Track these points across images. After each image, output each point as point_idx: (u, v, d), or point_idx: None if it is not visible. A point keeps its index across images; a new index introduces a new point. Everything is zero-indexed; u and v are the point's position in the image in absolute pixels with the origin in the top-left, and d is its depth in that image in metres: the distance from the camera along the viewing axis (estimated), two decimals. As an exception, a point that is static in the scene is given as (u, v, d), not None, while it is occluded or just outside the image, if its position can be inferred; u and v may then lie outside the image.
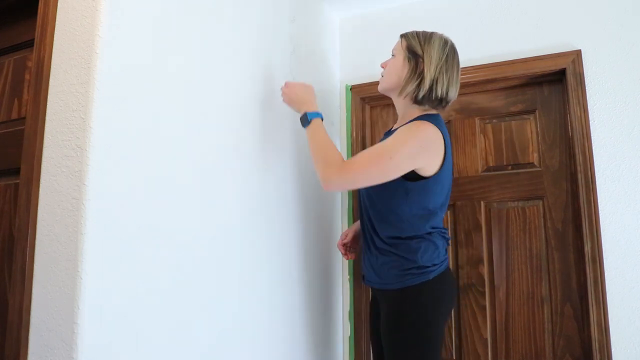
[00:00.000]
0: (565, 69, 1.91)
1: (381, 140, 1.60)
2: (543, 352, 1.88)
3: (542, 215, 1.96)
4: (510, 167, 2.04)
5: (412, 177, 1.47)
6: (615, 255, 1.76)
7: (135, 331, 1.16)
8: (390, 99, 1.66)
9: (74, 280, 1.05)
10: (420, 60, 1.51)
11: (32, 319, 1.09)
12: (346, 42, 2.38)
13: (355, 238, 1.83)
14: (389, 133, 1.66)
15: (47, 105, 1.16)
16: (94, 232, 1.08)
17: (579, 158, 1.83)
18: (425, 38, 1.54)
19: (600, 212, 1.79)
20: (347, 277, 2.19)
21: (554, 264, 1.91)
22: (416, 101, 1.54)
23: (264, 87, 1.73)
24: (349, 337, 2.14)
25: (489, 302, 1.99)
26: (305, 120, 1.60)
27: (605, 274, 1.76)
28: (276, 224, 1.74)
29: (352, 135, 2.28)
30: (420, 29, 2.18)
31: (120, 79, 1.17)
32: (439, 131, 1.48)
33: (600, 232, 1.78)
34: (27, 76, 1.35)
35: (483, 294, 1.99)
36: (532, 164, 2.00)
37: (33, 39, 1.24)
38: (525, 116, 2.05)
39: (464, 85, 1.92)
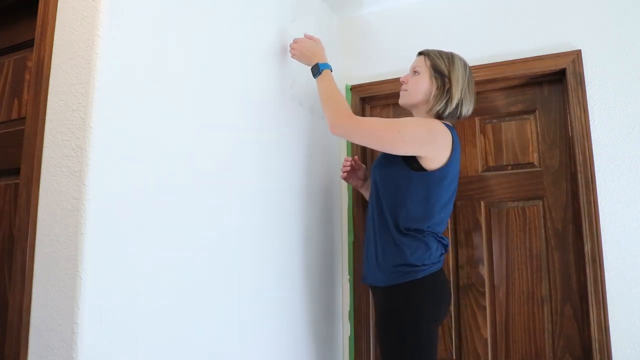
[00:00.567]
0: (565, 69, 1.91)
1: None
2: (543, 352, 1.88)
3: (542, 215, 1.96)
4: (510, 167, 2.04)
5: (417, 167, 1.54)
6: (615, 255, 1.76)
7: (135, 331, 1.16)
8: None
9: (74, 280, 1.05)
10: (447, 80, 1.62)
11: (32, 319, 1.09)
12: (346, 42, 2.38)
13: (363, 171, 1.94)
14: None
15: (47, 105, 1.16)
16: (94, 232, 1.08)
17: (579, 158, 1.83)
18: (448, 59, 1.66)
19: (600, 212, 1.79)
20: (347, 277, 2.19)
21: (554, 264, 1.91)
22: (439, 116, 1.64)
23: (264, 87, 1.73)
24: (349, 337, 2.14)
25: (489, 302, 1.99)
26: (317, 70, 1.74)
27: (605, 274, 1.75)
28: (278, 225, 1.74)
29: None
30: (420, 28, 2.21)
31: (120, 79, 1.17)
32: (449, 132, 1.57)
33: (600, 232, 1.77)
34: (27, 76, 1.35)
35: (483, 294, 1.99)
36: (532, 164, 2.00)
37: (33, 39, 1.24)
38: (525, 116, 2.05)
39: (464, 85, 1.92)
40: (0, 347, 1.16)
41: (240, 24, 1.63)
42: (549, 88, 2.02)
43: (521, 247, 1.97)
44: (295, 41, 1.83)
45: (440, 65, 1.64)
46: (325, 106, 1.66)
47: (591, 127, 1.85)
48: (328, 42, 2.28)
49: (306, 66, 1.84)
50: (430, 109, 1.64)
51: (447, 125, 1.60)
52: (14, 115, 1.36)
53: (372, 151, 2.29)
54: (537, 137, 2.01)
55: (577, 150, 1.84)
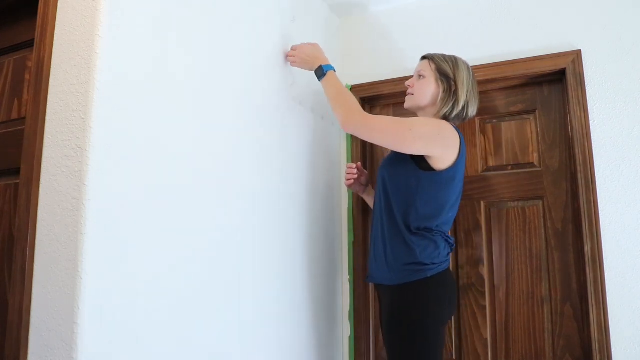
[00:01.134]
0: (565, 69, 1.91)
1: None
2: (543, 352, 1.88)
3: (542, 215, 1.96)
4: (510, 167, 2.04)
5: (426, 167, 1.57)
6: (615, 255, 1.76)
7: (135, 331, 1.16)
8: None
9: (74, 280, 1.05)
10: (453, 82, 1.64)
11: (32, 319, 1.09)
12: (346, 42, 2.38)
13: (366, 177, 1.98)
14: None
15: (47, 105, 1.16)
16: (94, 232, 1.08)
17: (579, 158, 1.83)
18: (452, 62, 1.68)
19: (600, 212, 1.79)
20: (347, 277, 2.19)
21: (554, 264, 1.91)
22: (445, 118, 1.66)
23: (264, 87, 1.73)
24: (349, 337, 2.14)
25: (489, 302, 1.99)
26: (321, 72, 1.76)
27: (605, 274, 1.75)
28: (278, 225, 1.74)
29: (352, 134, 2.27)
30: (420, 28, 2.21)
31: (120, 79, 1.17)
32: (457, 132, 1.60)
33: (600, 232, 1.77)
34: (27, 76, 1.35)
35: (483, 294, 1.99)
36: (532, 164, 2.00)
37: (33, 39, 1.24)
38: (525, 116, 2.05)
39: (464, 85, 1.92)
40: (0, 347, 1.16)
41: (240, 24, 1.63)
42: (549, 88, 2.02)
43: (521, 247, 1.97)
44: (293, 48, 1.84)
45: (445, 68, 1.66)
46: (336, 105, 1.67)
47: (591, 127, 1.85)
48: (328, 42, 2.28)
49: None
50: (438, 112, 1.66)
51: (453, 127, 1.63)
52: (14, 115, 1.36)
53: (373, 154, 2.29)
54: (537, 137, 2.01)
55: (577, 150, 1.84)
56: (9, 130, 1.35)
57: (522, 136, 2.03)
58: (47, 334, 1.06)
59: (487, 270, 2.01)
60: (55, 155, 1.13)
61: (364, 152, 2.25)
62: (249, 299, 1.56)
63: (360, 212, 2.18)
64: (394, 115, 2.27)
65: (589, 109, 1.86)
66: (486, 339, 1.97)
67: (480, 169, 2.08)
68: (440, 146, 1.56)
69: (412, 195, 1.59)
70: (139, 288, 1.18)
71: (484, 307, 1.98)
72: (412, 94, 1.72)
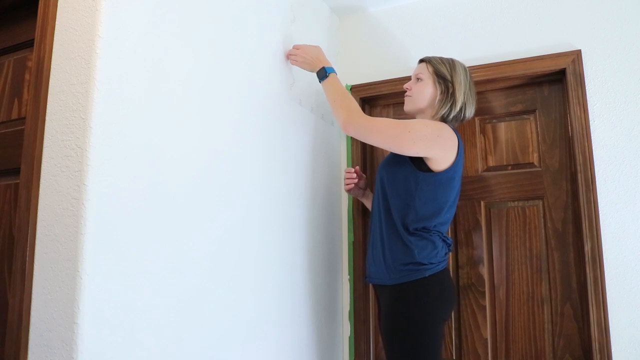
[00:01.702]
0: (565, 69, 1.91)
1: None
2: (543, 352, 1.88)
3: (542, 215, 1.96)
4: (510, 167, 2.04)
5: (424, 168, 1.58)
6: (615, 255, 1.76)
7: (135, 331, 1.16)
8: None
9: (74, 280, 1.05)
10: (450, 84, 1.65)
11: (32, 319, 1.09)
12: (346, 42, 2.38)
13: (364, 181, 2.00)
14: None
15: (47, 105, 1.16)
16: (94, 232, 1.08)
17: (579, 158, 1.83)
18: (449, 64, 1.70)
19: (600, 212, 1.79)
20: (347, 277, 2.19)
21: (554, 264, 1.91)
22: (443, 120, 1.67)
23: (265, 87, 1.73)
24: (349, 337, 2.14)
25: (489, 302, 1.99)
26: (324, 74, 1.78)
27: (605, 274, 1.75)
28: (280, 225, 1.74)
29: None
30: (420, 28, 2.21)
31: (120, 79, 1.17)
32: (455, 134, 1.62)
33: (600, 232, 1.77)
34: (27, 76, 1.35)
35: (483, 294, 1.99)
36: (532, 164, 2.00)
37: (33, 39, 1.24)
38: (525, 116, 2.05)
39: (464, 85, 1.92)
40: (0, 347, 1.16)
41: (240, 24, 1.63)
42: (549, 88, 2.02)
43: (521, 247, 1.97)
44: (295, 47, 1.85)
45: (442, 70, 1.68)
46: (336, 106, 1.69)
47: (591, 127, 1.85)
48: (328, 42, 2.28)
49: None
50: (436, 114, 1.68)
51: (452, 128, 1.64)
52: (14, 115, 1.36)
53: (373, 154, 2.29)
54: (537, 137, 2.01)
55: (577, 150, 1.84)
56: (9, 130, 1.35)
57: (522, 136, 2.03)
58: (47, 334, 1.06)
59: (487, 270, 2.01)
60: (55, 155, 1.13)
61: (364, 152, 2.25)
62: (249, 299, 1.56)
63: (360, 212, 2.18)
64: (394, 115, 2.27)
65: (589, 109, 1.86)
66: (486, 339, 1.97)
67: (480, 169, 2.08)
68: (439, 148, 1.57)
69: (411, 196, 1.60)
70: (139, 288, 1.18)
71: (484, 307, 1.98)
72: (411, 97, 1.74)
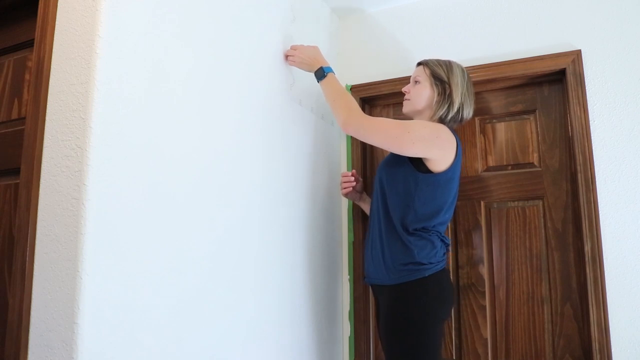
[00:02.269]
0: (565, 69, 1.91)
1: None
2: (543, 352, 1.88)
3: (542, 215, 1.96)
4: (510, 167, 2.04)
5: (423, 169, 1.59)
6: (615, 255, 1.76)
7: (135, 331, 1.16)
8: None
9: (74, 280, 1.05)
10: (447, 86, 1.67)
11: (32, 319, 1.09)
12: (346, 42, 2.38)
13: (361, 184, 2.00)
14: None
15: (47, 105, 1.16)
16: (94, 232, 1.08)
17: (579, 158, 1.83)
18: (446, 65, 1.70)
19: (600, 212, 1.79)
20: (347, 277, 2.19)
21: (554, 264, 1.91)
22: (442, 121, 1.68)
23: (264, 87, 1.73)
24: (349, 337, 2.14)
25: (489, 302, 1.98)
26: (322, 74, 1.78)
27: (605, 274, 1.75)
28: (280, 225, 1.74)
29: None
30: (420, 28, 2.21)
31: (120, 79, 1.17)
32: (453, 135, 1.63)
33: (600, 232, 1.77)
34: (27, 76, 1.35)
35: (483, 294, 1.99)
36: (532, 164, 2.00)
37: (33, 39, 1.24)
38: (525, 116, 2.05)
39: (464, 85, 1.92)
40: (1, 347, 1.16)
41: (240, 24, 1.63)
42: (549, 88, 2.02)
43: (521, 247, 1.97)
44: (293, 48, 1.85)
45: (439, 72, 1.68)
46: (336, 106, 1.69)
47: (591, 127, 1.85)
48: (328, 42, 2.28)
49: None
50: (434, 115, 1.69)
51: (450, 129, 1.65)
52: (14, 115, 1.36)
53: (373, 154, 2.29)
54: (537, 137, 2.01)
55: (577, 150, 1.84)
56: (9, 130, 1.35)
57: (522, 136, 2.03)
58: (47, 334, 1.06)
59: (487, 270, 2.01)
60: (55, 155, 1.13)
61: (364, 152, 2.25)
62: (250, 298, 1.56)
63: (360, 212, 2.18)
64: (394, 115, 2.27)
65: (589, 109, 1.86)
66: (486, 339, 1.97)
67: (480, 169, 2.08)
68: (437, 148, 1.58)
69: (410, 197, 1.61)
70: (139, 288, 1.18)
71: (484, 307, 1.98)
72: (409, 99, 1.75)
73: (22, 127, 1.25)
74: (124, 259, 1.14)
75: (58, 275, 1.07)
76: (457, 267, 2.05)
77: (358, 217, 2.19)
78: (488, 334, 1.97)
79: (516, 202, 2.01)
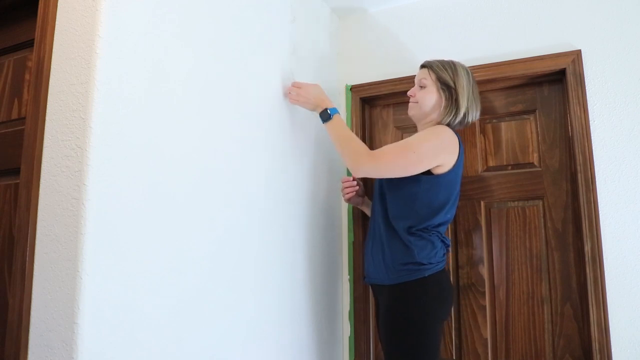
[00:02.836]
0: (565, 69, 1.91)
1: None
2: (543, 352, 1.88)
3: (542, 215, 1.96)
4: (510, 167, 2.04)
5: (426, 172, 1.59)
6: (615, 255, 1.76)
7: (135, 331, 1.16)
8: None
9: (74, 280, 1.05)
10: (454, 91, 1.65)
11: (32, 319, 1.09)
12: (346, 42, 2.38)
13: (361, 188, 1.97)
14: None
15: (47, 105, 1.16)
16: (94, 232, 1.08)
17: (579, 158, 1.83)
18: (451, 68, 1.69)
19: (600, 212, 1.79)
20: (347, 277, 2.19)
21: (554, 264, 1.91)
22: (448, 125, 1.68)
23: (263, 88, 1.73)
24: (349, 337, 2.14)
25: (489, 302, 1.98)
26: (327, 116, 1.75)
27: (605, 274, 1.75)
28: (280, 225, 1.74)
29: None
30: (420, 28, 2.21)
31: (120, 79, 1.17)
32: (455, 136, 1.63)
33: (600, 232, 1.77)
34: (27, 76, 1.35)
35: (483, 294, 1.99)
36: (532, 164, 2.00)
37: (33, 39, 1.24)
38: (525, 116, 2.05)
39: (464, 85, 1.92)
40: (1, 347, 1.16)
41: (240, 24, 1.63)
42: (549, 88, 2.02)
43: (521, 247, 1.97)
44: (296, 85, 1.83)
45: (445, 77, 1.67)
46: (344, 152, 1.68)
47: (591, 127, 1.85)
48: (328, 42, 2.28)
49: (306, 68, 1.84)
50: (441, 120, 1.68)
51: (452, 130, 1.66)
52: (14, 115, 1.36)
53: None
54: (537, 137, 2.01)
55: (577, 150, 1.84)
56: (9, 130, 1.35)
57: (522, 136, 2.03)
58: (47, 334, 1.06)
59: (487, 270, 2.01)
60: (55, 155, 1.13)
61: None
62: (250, 298, 1.56)
63: (360, 213, 2.18)
64: (394, 115, 2.27)
65: (589, 109, 1.86)
66: (486, 339, 1.97)
67: (480, 169, 2.08)
68: (442, 155, 1.59)
69: (412, 198, 1.61)
70: (139, 288, 1.18)
71: (484, 307, 1.98)
72: (416, 103, 1.74)
73: (22, 127, 1.25)
74: (124, 259, 1.14)
75: (58, 275, 1.07)
76: (457, 267, 2.05)
77: (358, 218, 2.19)
78: (488, 334, 1.97)
79: (516, 202, 2.01)
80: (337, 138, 1.71)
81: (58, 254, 1.08)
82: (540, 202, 1.97)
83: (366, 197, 2.02)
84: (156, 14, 1.29)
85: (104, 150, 1.12)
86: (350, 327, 2.15)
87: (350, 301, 2.17)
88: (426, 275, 1.57)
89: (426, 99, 1.70)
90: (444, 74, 1.68)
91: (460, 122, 1.68)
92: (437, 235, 1.64)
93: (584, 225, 1.80)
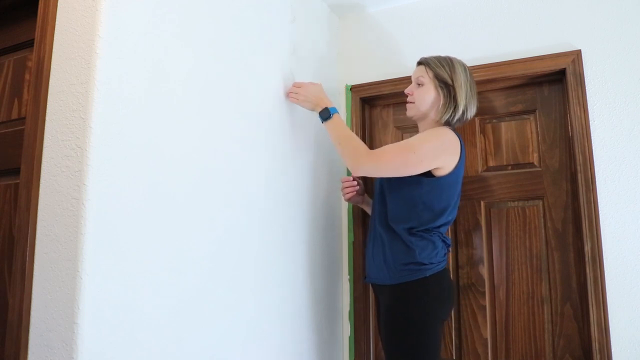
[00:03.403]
0: (565, 69, 1.91)
1: None
2: (543, 352, 1.88)
3: (542, 215, 1.96)
4: (510, 167, 2.04)
5: (426, 174, 1.59)
6: (615, 255, 1.76)
7: (135, 331, 1.16)
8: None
9: (74, 280, 1.05)
10: (451, 88, 1.64)
11: (32, 319, 1.09)
12: (346, 42, 2.38)
13: (361, 187, 1.95)
14: None
15: (47, 105, 1.16)
16: (94, 232, 1.08)
17: (579, 158, 1.83)
18: (449, 65, 1.67)
19: (600, 212, 1.79)
20: (347, 277, 2.19)
21: (554, 264, 1.91)
22: (447, 123, 1.67)
23: (264, 88, 1.73)
24: (349, 337, 2.14)
25: (489, 302, 1.98)
26: (327, 115, 1.75)
27: (605, 274, 1.75)
28: (280, 225, 1.74)
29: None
30: (420, 28, 2.21)
31: (120, 79, 1.17)
32: (457, 137, 1.62)
33: (600, 232, 1.77)
34: (27, 76, 1.35)
35: (483, 294, 1.99)
36: (532, 164, 2.00)
37: (33, 39, 1.24)
38: (525, 116, 2.05)
39: (464, 85, 1.92)
40: (1, 347, 1.16)
41: (240, 24, 1.63)
42: (549, 88, 2.02)
43: (521, 247, 1.97)
44: (297, 85, 1.83)
45: (443, 74, 1.66)
46: (342, 151, 1.67)
47: (591, 127, 1.85)
48: (328, 42, 2.28)
49: (306, 68, 1.84)
50: (440, 118, 1.68)
51: (453, 130, 1.65)
52: (14, 115, 1.36)
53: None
54: (537, 137, 2.01)
55: (577, 150, 1.84)
56: (9, 130, 1.35)
57: (522, 136, 2.03)
58: (47, 334, 1.06)
59: (487, 270, 2.01)
60: (55, 155, 1.13)
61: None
62: (250, 299, 1.56)
63: (360, 213, 2.18)
64: (394, 115, 2.27)
65: (589, 109, 1.86)
66: (486, 339, 1.97)
67: (480, 169, 2.08)
68: (443, 157, 1.58)
69: (414, 200, 1.61)
70: (139, 288, 1.18)
71: (484, 307, 1.98)
72: (413, 102, 1.73)
73: (22, 127, 1.25)
74: (124, 259, 1.14)
75: (58, 275, 1.07)
76: (457, 267, 2.05)
77: (358, 217, 2.19)
78: (488, 334, 1.97)
79: (516, 202, 2.01)
80: (336, 137, 1.71)
81: (58, 254, 1.08)
82: (540, 202, 1.97)
83: (366, 196, 2.02)
84: (156, 14, 1.29)
85: (104, 150, 1.12)
86: (350, 327, 2.15)
87: (350, 301, 2.17)
88: (427, 275, 1.57)
89: (424, 97, 1.69)
90: (441, 71, 1.67)
91: (459, 120, 1.67)
92: (438, 235, 1.64)
93: (584, 225, 1.80)
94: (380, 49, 2.29)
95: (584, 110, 1.85)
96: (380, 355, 2.11)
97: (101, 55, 1.13)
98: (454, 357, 2.01)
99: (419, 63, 1.75)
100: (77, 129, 1.11)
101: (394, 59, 2.24)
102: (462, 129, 2.10)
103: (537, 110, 2.03)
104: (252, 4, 1.70)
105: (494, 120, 2.09)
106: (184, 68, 1.37)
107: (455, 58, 1.71)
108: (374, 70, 2.27)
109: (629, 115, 1.82)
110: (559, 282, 1.89)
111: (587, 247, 1.78)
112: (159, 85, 1.28)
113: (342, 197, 1.99)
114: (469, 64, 1.79)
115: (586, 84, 1.87)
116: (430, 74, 1.68)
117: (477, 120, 2.11)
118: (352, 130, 2.26)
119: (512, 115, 2.07)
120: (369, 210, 2.00)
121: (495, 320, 1.97)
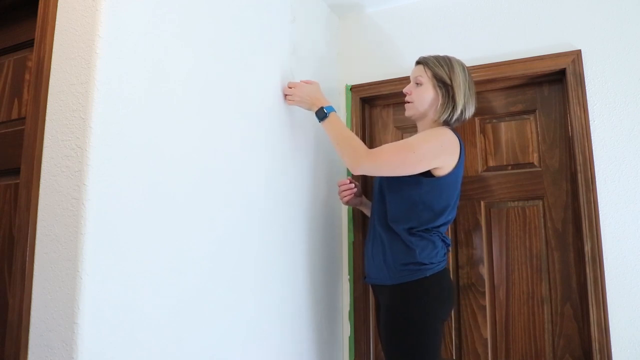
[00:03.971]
0: (565, 69, 1.91)
1: None
2: (543, 352, 1.88)
3: (542, 215, 1.96)
4: (510, 167, 2.04)
5: (426, 174, 1.58)
6: (615, 255, 1.76)
7: (135, 331, 1.16)
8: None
9: (74, 280, 1.05)
10: (450, 88, 1.63)
11: (32, 319, 1.09)
12: (346, 42, 2.38)
13: (359, 189, 1.95)
14: None
15: (47, 105, 1.16)
16: (94, 232, 1.08)
17: (579, 158, 1.83)
18: (447, 65, 1.66)
19: (600, 212, 1.79)
20: (347, 277, 2.19)
21: (554, 264, 1.91)
22: (446, 122, 1.67)
23: (264, 88, 1.73)
24: (349, 337, 2.14)
25: (489, 302, 1.99)
26: (323, 114, 1.73)
27: (605, 274, 1.75)
28: (280, 225, 1.74)
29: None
30: (420, 28, 2.21)
31: (120, 79, 1.17)
32: (456, 137, 1.62)
33: (600, 232, 1.77)
34: (27, 76, 1.35)
35: (483, 294, 1.99)
36: (532, 164, 2.00)
37: (33, 39, 1.24)
38: (525, 116, 2.05)
39: (464, 85, 1.92)
40: (0, 347, 1.16)
41: (240, 24, 1.63)
42: (549, 88, 2.02)
43: (521, 247, 1.97)
44: (291, 86, 1.82)
45: (441, 74, 1.66)
46: (342, 150, 1.67)
47: (591, 127, 1.85)
48: (327, 42, 2.28)
49: (306, 68, 1.84)
50: (438, 118, 1.68)
51: (452, 130, 1.65)
52: (14, 115, 1.36)
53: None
54: (537, 137, 2.01)
55: (577, 150, 1.84)
56: (9, 130, 1.35)
57: (522, 136, 2.03)
58: (47, 334, 1.06)
59: (487, 270, 2.01)
60: (55, 155, 1.13)
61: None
62: (250, 299, 1.56)
63: (360, 213, 2.18)
64: (394, 115, 2.27)
65: (589, 109, 1.86)
66: (486, 339, 1.97)
67: (480, 169, 2.08)
68: (442, 157, 1.58)
69: (413, 200, 1.61)
70: (139, 288, 1.18)
71: (484, 307, 1.98)
72: (412, 102, 1.72)
73: (22, 127, 1.25)
74: (124, 259, 1.14)
75: (58, 275, 1.07)
76: (457, 267, 2.05)
77: (358, 218, 2.19)
78: (488, 334, 1.97)
79: (516, 202, 2.01)
80: (334, 137, 1.70)
81: (58, 254, 1.08)
82: (540, 202, 1.97)
83: (364, 197, 2.02)
84: (156, 14, 1.29)
85: (104, 150, 1.12)
86: (350, 327, 2.15)
87: (350, 301, 2.17)
88: (427, 275, 1.57)
89: (422, 96, 1.69)
90: (440, 70, 1.66)
91: (458, 119, 1.67)
92: (438, 235, 1.64)
93: (584, 225, 1.80)
94: (380, 49, 2.29)
95: (584, 110, 1.85)
96: (380, 355, 2.11)
97: (101, 55, 1.13)
98: (454, 357, 2.01)
99: (418, 62, 1.75)
100: (77, 129, 1.11)
101: (394, 59, 2.24)
102: (462, 129, 2.10)
103: (537, 110, 2.03)
104: (252, 4, 1.70)
105: (494, 120, 2.09)
106: (184, 68, 1.37)
107: (453, 57, 1.70)
108: (374, 70, 2.27)
109: (629, 115, 1.82)
110: (559, 282, 1.89)
111: (587, 247, 1.78)
112: (159, 85, 1.28)
113: (342, 202, 1.97)
114: (469, 64, 1.79)
115: (586, 84, 1.87)
116: (429, 73, 1.68)
117: (477, 120, 2.11)
118: (352, 130, 2.27)
119: (512, 115, 2.07)
120: (367, 212, 2.00)
121: (495, 320, 1.97)
